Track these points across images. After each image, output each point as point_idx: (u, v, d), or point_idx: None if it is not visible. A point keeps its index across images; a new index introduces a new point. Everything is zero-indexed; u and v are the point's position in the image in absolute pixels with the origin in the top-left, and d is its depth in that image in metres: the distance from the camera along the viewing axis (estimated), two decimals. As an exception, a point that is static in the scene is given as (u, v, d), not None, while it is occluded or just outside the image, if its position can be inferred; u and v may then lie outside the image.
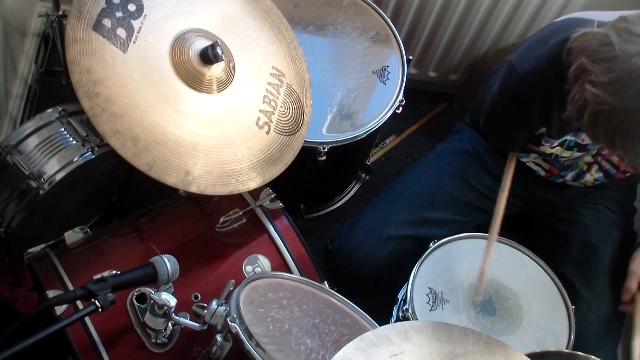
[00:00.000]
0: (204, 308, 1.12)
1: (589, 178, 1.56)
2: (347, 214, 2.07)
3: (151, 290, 1.21)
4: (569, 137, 1.44)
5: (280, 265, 1.36)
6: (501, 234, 1.54)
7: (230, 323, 1.05)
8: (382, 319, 1.41)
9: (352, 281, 1.58)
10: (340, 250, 1.59)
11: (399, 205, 1.60)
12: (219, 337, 1.08)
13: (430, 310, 1.41)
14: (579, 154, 1.47)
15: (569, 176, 1.56)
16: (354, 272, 1.56)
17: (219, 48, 1.22)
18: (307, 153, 1.51)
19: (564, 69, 1.20)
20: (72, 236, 1.34)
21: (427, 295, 1.43)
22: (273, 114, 1.35)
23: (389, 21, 1.75)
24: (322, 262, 1.82)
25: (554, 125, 1.42)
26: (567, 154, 1.48)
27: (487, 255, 1.45)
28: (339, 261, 1.59)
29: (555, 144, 1.46)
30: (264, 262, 1.36)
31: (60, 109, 1.46)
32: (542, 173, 1.60)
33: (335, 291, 1.57)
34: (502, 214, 1.48)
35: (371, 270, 1.55)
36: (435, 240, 1.49)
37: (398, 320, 1.45)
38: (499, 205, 1.49)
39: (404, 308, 1.39)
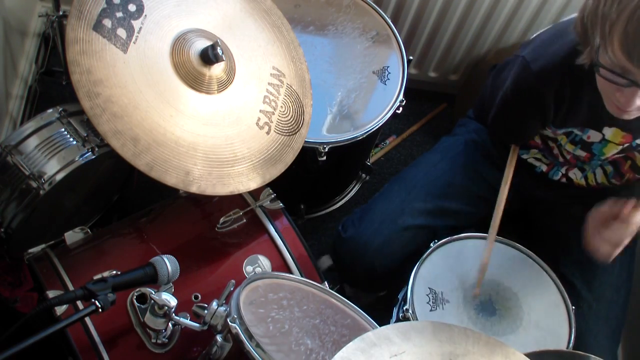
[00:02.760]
0: (204, 308, 1.12)
1: (590, 177, 1.55)
2: (347, 214, 2.07)
3: (151, 290, 1.21)
4: (575, 131, 1.44)
5: (280, 265, 1.36)
6: (501, 234, 1.54)
7: (230, 323, 1.05)
8: (382, 319, 1.42)
9: (364, 270, 1.56)
10: (355, 238, 1.56)
11: (415, 194, 1.58)
12: (218, 337, 1.08)
13: (430, 310, 1.41)
14: (582, 153, 1.47)
15: (571, 172, 1.56)
16: (369, 262, 1.53)
17: (219, 48, 1.22)
18: (307, 153, 1.51)
19: (577, 62, 1.22)
20: (72, 236, 1.34)
21: (427, 295, 1.43)
22: (273, 114, 1.35)
23: (389, 21, 1.75)
24: (330, 251, 1.81)
25: (558, 117, 1.42)
26: (570, 147, 1.47)
27: (489, 247, 1.44)
28: (353, 249, 1.56)
29: (559, 132, 1.46)
30: (264, 262, 1.36)
31: (60, 109, 1.46)
32: (544, 168, 1.60)
33: (342, 284, 1.56)
34: (502, 208, 1.47)
35: (386, 260, 1.53)
36: (436, 240, 1.49)
37: (398, 320, 1.45)
38: (500, 198, 1.48)
39: (404, 308, 1.39)
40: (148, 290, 1.22)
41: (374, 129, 1.60)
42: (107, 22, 1.17)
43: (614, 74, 1.14)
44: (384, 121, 1.61)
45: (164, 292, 1.14)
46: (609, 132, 1.40)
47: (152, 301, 1.14)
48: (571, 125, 1.43)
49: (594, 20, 1.14)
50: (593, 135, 1.42)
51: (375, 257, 1.53)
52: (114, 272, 1.14)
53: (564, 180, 1.60)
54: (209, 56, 1.23)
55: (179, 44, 1.24)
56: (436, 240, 1.49)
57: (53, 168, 1.41)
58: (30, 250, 1.32)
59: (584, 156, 1.48)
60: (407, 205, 1.56)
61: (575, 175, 1.58)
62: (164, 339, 1.20)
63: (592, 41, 1.17)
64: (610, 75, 1.15)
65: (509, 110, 1.51)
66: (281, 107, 1.37)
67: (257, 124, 1.32)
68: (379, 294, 1.84)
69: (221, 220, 1.37)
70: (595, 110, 1.31)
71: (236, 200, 1.41)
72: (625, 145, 1.42)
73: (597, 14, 1.13)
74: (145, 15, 1.22)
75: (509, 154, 1.55)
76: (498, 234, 1.53)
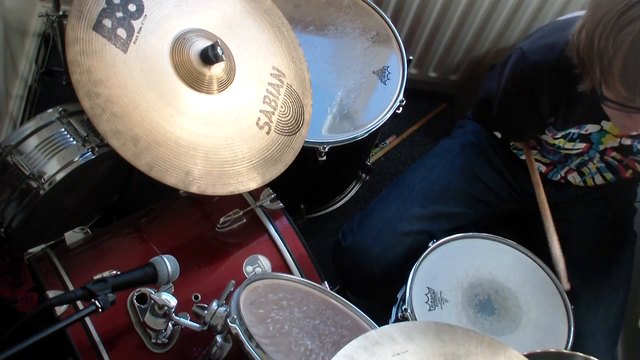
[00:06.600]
0: (204, 308, 1.12)
1: (591, 166, 1.55)
2: (347, 214, 2.08)
3: (151, 290, 1.21)
4: (572, 130, 1.44)
5: (280, 265, 1.37)
6: (500, 234, 1.54)
7: (230, 324, 1.05)
8: (382, 319, 1.41)
9: (365, 278, 1.56)
10: (354, 246, 1.56)
11: (411, 200, 1.58)
12: (218, 338, 1.08)
13: (429, 310, 1.41)
14: (581, 145, 1.47)
15: (574, 164, 1.56)
16: (369, 269, 1.54)
17: (219, 48, 1.22)
18: (307, 153, 1.51)
19: (578, 89, 1.22)
20: (72, 236, 1.34)
21: (426, 294, 1.43)
22: (273, 114, 1.35)
23: (389, 21, 1.75)
24: (323, 261, 1.81)
25: (559, 117, 1.42)
26: (569, 145, 1.48)
27: (554, 240, 1.46)
28: (353, 257, 1.56)
29: (558, 136, 1.46)
30: (264, 262, 1.36)
31: (60, 109, 1.46)
32: (543, 169, 1.60)
33: (341, 290, 1.56)
34: (547, 205, 1.50)
35: (386, 267, 1.53)
36: (434, 240, 1.49)
37: (397, 320, 1.45)
38: (540, 198, 1.51)
39: (403, 308, 1.39)
40: (148, 290, 1.22)
41: (374, 129, 1.60)
42: (107, 22, 1.17)
43: (620, 105, 1.14)
44: (384, 121, 1.61)
45: (164, 292, 1.14)
46: (607, 124, 1.41)
47: (152, 301, 1.14)
48: (570, 126, 1.43)
49: (590, 55, 1.14)
50: (591, 128, 1.43)
51: (375, 264, 1.53)
52: (114, 272, 1.14)
53: (562, 181, 1.60)
54: (209, 56, 1.23)
55: (179, 44, 1.24)
56: (434, 240, 1.49)
57: (53, 168, 1.41)
58: (30, 250, 1.32)
59: (583, 147, 1.48)
60: (405, 211, 1.56)
61: (574, 178, 1.58)
62: (164, 339, 1.20)
63: (592, 73, 1.17)
64: (616, 107, 1.15)
65: (508, 102, 1.51)
66: (281, 107, 1.37)
67: (257, 123, 1.32)
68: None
69: (221, 220, 1.37)
70: (593, 106, 1.30)
71: (236, 200, 1.41)
72: (624, 143, 1.42)
73: (592, 50, 1.13)
74: (145, 15, 1.22)
75: (527, 159, 1.55)
76: (497, 234, 1.54)
